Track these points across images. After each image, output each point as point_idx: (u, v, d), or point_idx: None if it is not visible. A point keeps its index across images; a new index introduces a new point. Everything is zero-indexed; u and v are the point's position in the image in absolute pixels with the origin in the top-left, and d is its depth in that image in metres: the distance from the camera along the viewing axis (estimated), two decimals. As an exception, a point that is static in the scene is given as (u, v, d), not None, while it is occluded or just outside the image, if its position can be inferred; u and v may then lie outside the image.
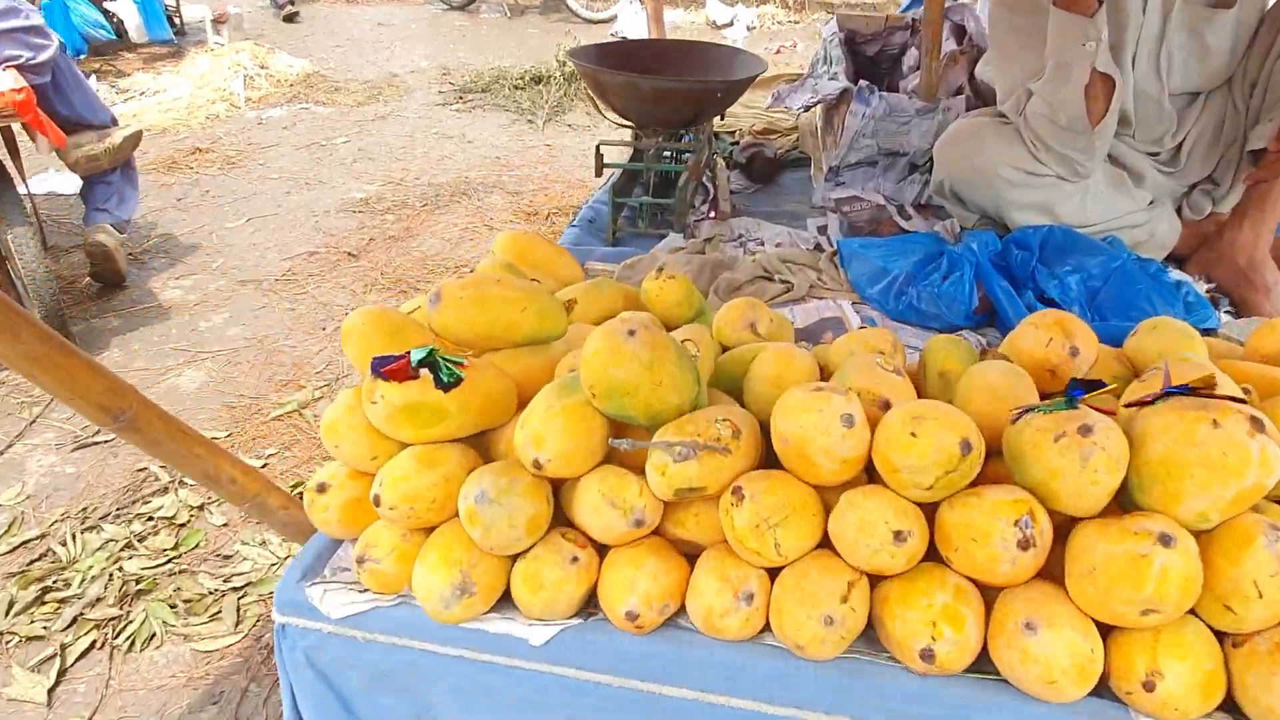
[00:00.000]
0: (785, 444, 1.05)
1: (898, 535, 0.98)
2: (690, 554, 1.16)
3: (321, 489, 1.23)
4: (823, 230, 2.43)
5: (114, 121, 3.55)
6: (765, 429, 1.23)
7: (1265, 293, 2.03)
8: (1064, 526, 1.01)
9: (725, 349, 1.55)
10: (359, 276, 3.74)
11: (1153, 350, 1.41)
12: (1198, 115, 2.16)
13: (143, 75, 6.44)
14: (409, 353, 1.13)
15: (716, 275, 2.06)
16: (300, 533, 1.35)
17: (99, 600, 2.06)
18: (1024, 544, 0.95)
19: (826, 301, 2.00)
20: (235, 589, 2.12)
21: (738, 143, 3.15)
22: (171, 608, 2.05)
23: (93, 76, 6.13)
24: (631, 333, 1.05)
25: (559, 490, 1.17)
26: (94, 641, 1.97)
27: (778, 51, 7.75)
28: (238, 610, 2.06)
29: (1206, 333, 1.86)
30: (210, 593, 2.11)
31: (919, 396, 1.24)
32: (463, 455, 1.18)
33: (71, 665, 1.92)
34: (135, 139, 3.50)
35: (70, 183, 4.06)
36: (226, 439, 2.68)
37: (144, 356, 3.09)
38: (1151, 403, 1.00)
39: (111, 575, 2.13)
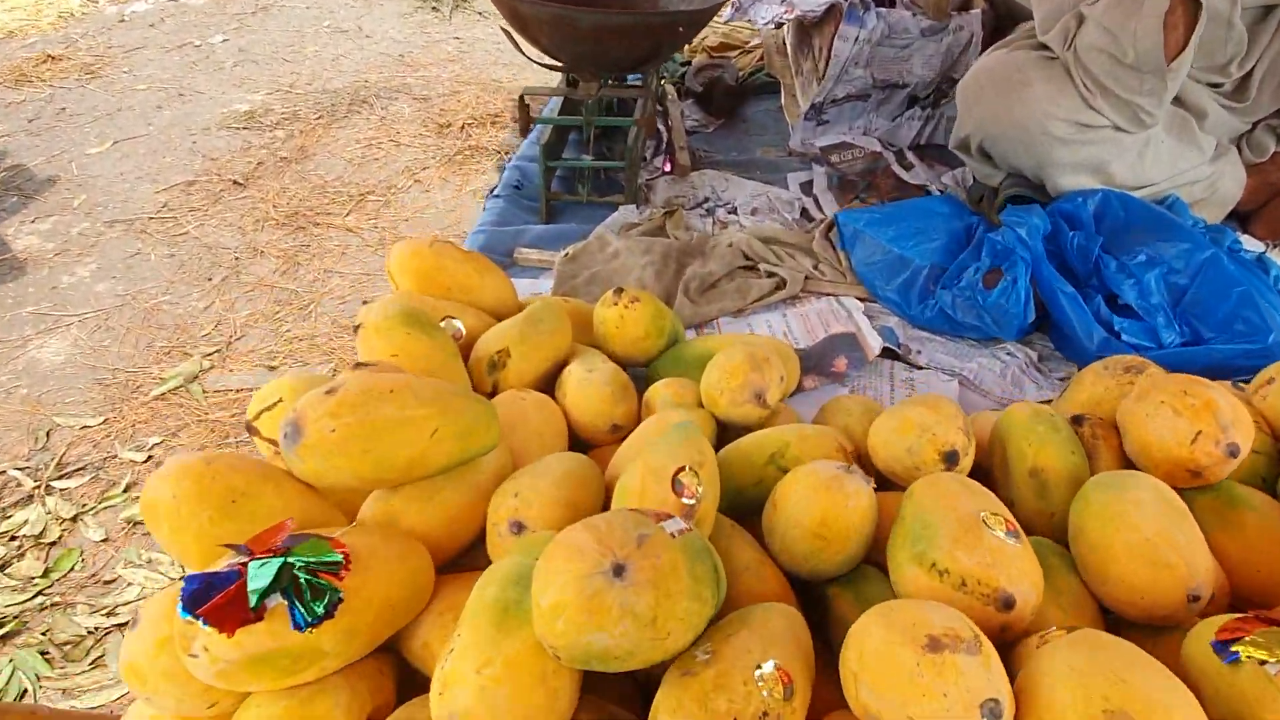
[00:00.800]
0: (879, 731, 0.64)
1: None
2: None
3: (136, 745, 0.79)
4: (807, 189, 1.95)
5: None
6: (799, 583, 0.84)
7: None
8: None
9: (718, 420, 1.13)
10: (248, 210, 3.23)
11: (1307, 419, 1.04)
12: (1271, 35, 1.73)
13: (-22, -37, 5.58)
14: (243, 571, 0.68)
15: (684, 267, 1.59)
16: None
17: (-45, 651, 1.70)
18: None
19: (828, 301, 1.55)
20: (120, 624, 1.76)
21: (689, 63, 2.61)
22: (44, 655, 1.70)
23: (-84, -34, 5.28)
24: (619, 571, 0.61)
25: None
26: (-48, 706, 1.60)
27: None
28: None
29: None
30: (90, 632, 1.75)
31: (992, 490, 0.85)
32: (354, 697, 0.75)
33: (-76, 739, 1.56)
34: (-41, 58, 2.94)
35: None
36: (101, 426, 2.26)
37: (-4, 325, 2.61)
38: None
39: (-30, 616, 1.76)
